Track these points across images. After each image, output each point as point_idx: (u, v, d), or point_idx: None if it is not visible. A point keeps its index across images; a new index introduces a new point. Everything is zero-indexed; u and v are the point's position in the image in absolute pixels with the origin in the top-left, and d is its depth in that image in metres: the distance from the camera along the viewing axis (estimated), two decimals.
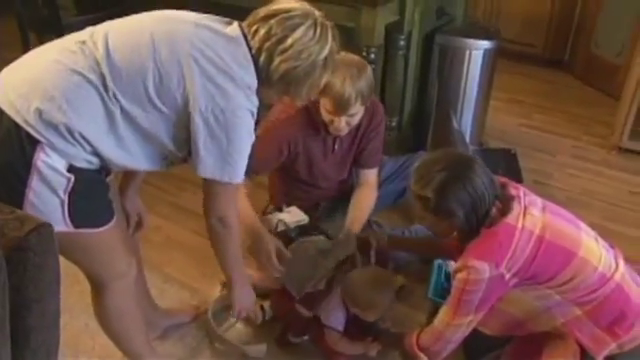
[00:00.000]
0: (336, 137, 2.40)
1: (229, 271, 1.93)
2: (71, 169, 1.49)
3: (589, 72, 4.84)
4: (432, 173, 1.74)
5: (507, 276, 1.69)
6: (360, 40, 2.81)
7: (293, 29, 1.59)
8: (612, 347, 1.73)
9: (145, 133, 1.57)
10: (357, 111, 2.23)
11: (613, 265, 1.76)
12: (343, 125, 2.25)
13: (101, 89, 1.48)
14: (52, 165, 1.46)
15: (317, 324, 2.13)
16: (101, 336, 2.19)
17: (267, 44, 1.59)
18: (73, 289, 2.39)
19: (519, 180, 3.08)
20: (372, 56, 2.88)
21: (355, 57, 2.26)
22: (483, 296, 1.73)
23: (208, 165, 1.59)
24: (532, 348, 1.84)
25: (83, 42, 1.52)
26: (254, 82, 1.61)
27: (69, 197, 1.50)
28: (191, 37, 1.56)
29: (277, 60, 1.60)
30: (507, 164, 3.26)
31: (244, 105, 1.58)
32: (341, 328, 2.11)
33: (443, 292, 2.41)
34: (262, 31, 1.60)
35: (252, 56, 1.60)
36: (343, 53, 2.26)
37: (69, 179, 1.49)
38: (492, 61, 3.39)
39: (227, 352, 2.21)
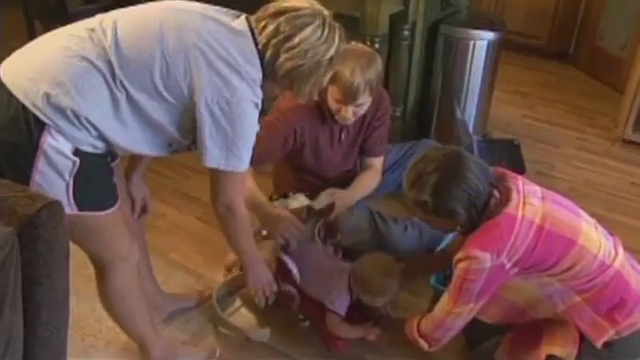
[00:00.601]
0: (343, 126, 2.42)
1: (242, 254, 1.99)
2: (77, 152, 1.53)
3: (593, 65, 4.84)
4: (424, 177, 1.76)
5: (508, 265, 1.71)
6: (364, 30, 2.82)
7: (301, 28, 1.62)
8: (610, 333, 1.75)
9: (150, 120, 1.59)
10: (365, 101, 2.25)
11: (613, 252, 1.78)
12: (350, 114, 2.26)
13: (108, 76, 1.51)
14: (58, 148, 1.49)
15: (319, 308, 2.15)
16: (108, 320, 2.22)
17: (274, 40, 1.62)
18: (81, 273, 2.40)
19: (522, 171, 3.10)
20: (376, 46, 2.89)
21: (365, 47, 2.30)
22: (484, 285, 1.75)
23: (214, 155, 1.62)
24: (532, 335, 1.86)
25: (92, 29, 1.55)
26: (259, 76, 1.64)
27: (74, 180, 1.54)
28: (198, 29, 1.59)
29: (283, 57, 1.63)
30: (510, 155, 3.28)
31: (249, 97, 1.60)
32: (344, 313, 2.13)
33: (445, 280, 2.43)
34: (270, 27, 1.63)
35: (258, 51, 1.63)
36: (353, 43, 2.30)
37: (74, 162, 1.52)
38: (496, 52, 3.39)
39: (231, 336, 2.24)
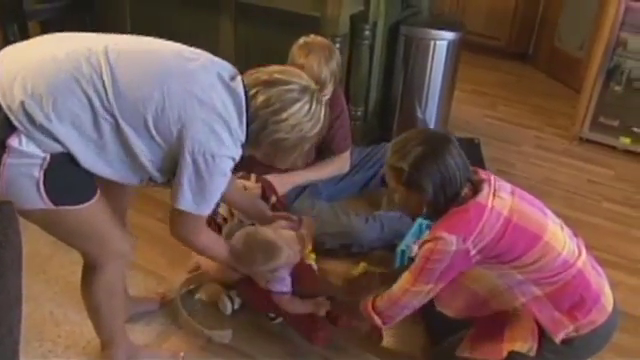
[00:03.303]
0: None
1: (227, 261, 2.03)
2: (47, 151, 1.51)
3: (552, 65, 4.94)
4: (409, 147, 1.79)
5: (472, 252, 1.74)
6: (325, 29, 2.83)
7: (291, 103, 1.68)
8: (570, 329, 1.78)
9: (131, 153, 1.60)
10: (327, 93, 2.29)
11: (576, 252, 1.81)
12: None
13: (95, 100, 1.51)
14: (24, 150, 1.48)
15: (266, 295, 2.14)
16: (66, 324, 2.21)
17: (263, 112, 1.67)
18: (38, 278, 2.39)
19: (482, 169, 3.14)
20: (337, 45, 2.90)
21: (324, 40, 2.34)
22: (446, 268, 1.76)
23: (187, 199, 1.66)
24: (493, 331, 1.88)
25: (95, 51, 1.55)
26: (243, 137, 1.69)
27: (45, 175, 1.52)
28: (202, 81, 1.62)
29: (270, 129, 1.68)
30: (470, 153, 3.30)
31: (231, 154, 1.65)
32: (288, 289, 2.12)
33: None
34: (261, 98, 1.67)
35: (248, 116, 1.67)
36: (312, 36, 2.33)
37: (44, 158, 1.51)
38: (456, 52, 3.44)
39: (194, 338, 2.22)
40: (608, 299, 1.83)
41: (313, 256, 2.20)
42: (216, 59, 1.73)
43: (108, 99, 1.52)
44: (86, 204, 1.64)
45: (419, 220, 2.61)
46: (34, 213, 1.58)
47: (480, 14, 5.12)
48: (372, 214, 2.70)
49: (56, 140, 1.50)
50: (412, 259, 2.47)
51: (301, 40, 2.34)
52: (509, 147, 3.80)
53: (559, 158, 3.75)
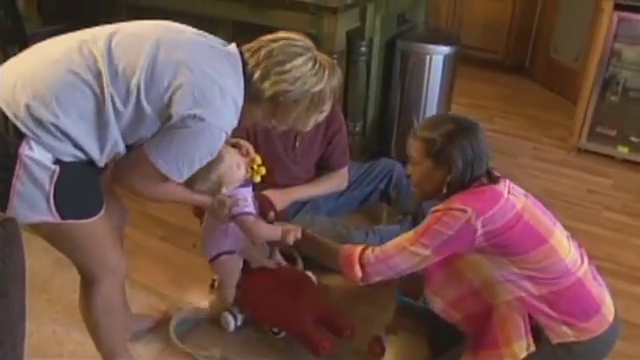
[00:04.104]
0: (297, 134, 2.48)
1: (192, 202, 1.99)
2: (57, 161, 1.53)
3: (549, 77, 4.98)
4: (442, 123, 1.85)
5: (479, 232, 1.72)
6: (322, 47, 2.84)
7: (294, 56, 1.68)
8: (568, 334, 1.77)
9: (127, 130, 1.59)
10: (327, 108, 2.30)
11: (579, 261, 1.82)
12: (312, 121, 2.31)
13: (96, 88, 1.52)
14: (36, 158, 1.50)
15: (295, 316, 2.18)
16: (69, 343, 2.22)
17: (266, 62, 1.67)
18: (40, 297, 2.40)
19: None
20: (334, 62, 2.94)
21: (327, 58, 2.35)
22: (449, 238, 1.74)
23: (162, 155, 1.60)
24: (488, 337, 1.88)
25: (85, 41, 1.57)
26: (241, 99, 1.67)
27: (55, 188, 1.53)
28: (191, 47, 1.63)
29: (272, 79, 1.67)
30: None
31: (222, 125, 1.62)
32: (251, 210, 2.02)
33: (408, 291, 2.46)
34: (263, 51, 1.68)
35: (245, 72, 1.67)
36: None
37: (54, 171, 1.52)
38: (453, 66, 3.47)
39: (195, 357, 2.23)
40: (609, 309, 1.83)
41: (263, 171, 2.08)
42: (207, 33, 1.74)
43: (103, 81, 1.52)
44: (92, 218, 1.66)
45: None
46: (39, 225, 1.60)
47: (476, 28, 5.17)
48: (372, 228, 2.71)
49: (66, 135, 1.51)
50: None
51: None
52: (507, 159, 3.81)
53: (558, 169, 3.76)
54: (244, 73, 1.68)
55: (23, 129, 1.48)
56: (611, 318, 1.82)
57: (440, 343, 2.15)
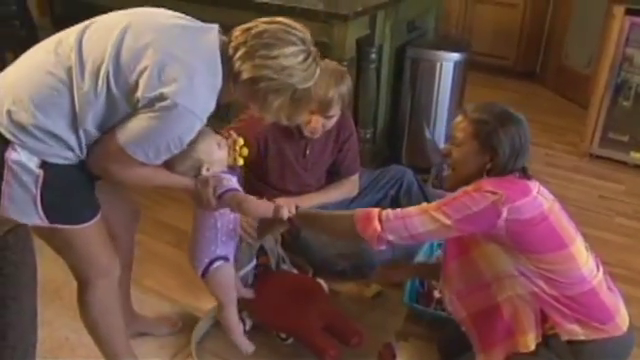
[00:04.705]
0: (308, 142, 2.48)
1: (174, 185, 1.83)
2: (43, 165, 1.55)
3: (560, 83, 4.96)
4: (495, 108, 1.84)
5: (502, 217, 1.70)
6: (332, 54, 2.87)
7: (286, 44, 1.57)
8: (578, 331, 1.77)
9: (102, 119, 1.56)
10: (335, 114, 2.32)
11: (594, 271, 1.81)
12: (319, 126, 2.34)
13: (68, 82, 1.53)
14: (21, 162, 1.52)
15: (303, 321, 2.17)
16: (81, 349, 2.23)
17: (252, 42, 1.56)
18: (54, 304, 2.42)
19: None
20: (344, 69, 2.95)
21: (337, 65, 2.39)
22: (473, 214, 1.72)
23: (129, 133, 1.54)
24: (500, 332, 1.86)
25: (60, 40, 1.59)
26: (218, 81, 1.58)
27: (41, 192, 1.55)
28: (159, 29, 1.57)
29: (255, 62, 1.55)
30: None
31: (193, 105, 1.52)
32: (236, 186, 1.89)
33: (419, 297, 2.46)
34: (254, 30, 1.58)
35: (227, 50, 1.58)
36: (327, 60, 2.37)
37: (38, 175, 1.54)
38: (463, 72, 3.48)
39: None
40: (623, 320, 1.82)
41: (245, 151, 1.98)
42: (187, 16, 1.67)
43: (74, 74, 1.52)
44: (83, 225, 1.67)
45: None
46: (34, 228, 1.60)
47: (487, 34, 5.16)
48: None
49: (49, 135, 1.52)
50: (423, 280, 2.50)
51: None
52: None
53: (570, 175, 3.75)
54: (225, 52, 1.58)
55: (7, 135, 1.52)
56: (625, 328, 1.81)
57: (451, 350, 2.15)
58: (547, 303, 1.78)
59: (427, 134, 3.44)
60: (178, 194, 1.72)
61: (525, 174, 1.84)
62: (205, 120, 1.60)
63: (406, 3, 3.34)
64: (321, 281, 2.46)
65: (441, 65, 3.37)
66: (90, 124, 1.55)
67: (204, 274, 2.01)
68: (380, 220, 1.81)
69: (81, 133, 1.56)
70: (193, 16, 1.70)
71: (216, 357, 2.24)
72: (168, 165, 1.74)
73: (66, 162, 1.59)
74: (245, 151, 1.96)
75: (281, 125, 2.38)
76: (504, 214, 1.70)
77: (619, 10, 3.55)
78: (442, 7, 4.23)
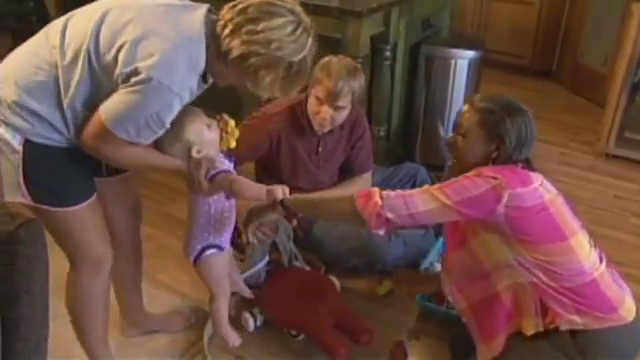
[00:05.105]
0: (320, 139, 2.48)
1: (166, 167, 1.77)
2: (27, 144, 1.56)
3: (576, 81, 4.92)
4: (502, 99, 1.87)
5: (502, 202, 1.70)
6: (346, 51, 2.86)
7: (271, 16, 1.52)
8: (577, 321, 1.75)
9: (88, 97, 1.56)
10: (345, 105, 2.32)
11: (597, 264, 1.80)
12: (328, 117, 2.33)
13: (52, 61, 1.54)
14: (5, 139, 1.55)
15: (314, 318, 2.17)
16: None
17: (238, 18, 1.52)
18: None
19: None
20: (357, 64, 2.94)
21: (350, 61, 2.39)
22: (473, 197, 1.72)
23: (110, 110, 1.52)
24: (500, 320, 1.86)
25: (52, 25, 1.61)
26: (202, 59, 1.55)
27: (24, 170, 1.56)
28: (142, 6, 1.56)
29: (243, 38, 1.52)
30: None
31: (171, 81, 1.49)
32: (229, 167, 1.86)
33: (431, 296, 2.45)
34: (240, 6, 1.54)
35: (215, 29, 1.55)
36: (341, 56, 2.38)
37: (18, 152, 1.56)
38: (478, 70, 3.46)
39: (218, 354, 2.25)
40: (628, 311, 1.79)
41: (237, 133, 1.91)
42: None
43: (62, 52, 1.53)
44: (68, 208, 1.66)
45: (442, 239, 2.62)
46: (29, 207, 1.62)
47: (502, 32, 5.13)
48: (395, 232, 2.70)
49: (33, 115, 1.54)
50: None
51: (325, 58, 2.38)
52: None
53: (585, 174, 3.72)
54: (213, 30, 1.55)
55: None
56: (630, 318, 1.78)
57: (462, 349, 2.14)
58: (546, 293, 1.77)
59: (441, 132, 3.43)
60: (186, 188, 1.71)
61: (529, 166, 1.84)
62: (187, 98, 1.57)
63: (421, 0, 3.33)
64: (333, 278, 2.46)
65: (456, 63, 3.36)
66: (75, 100, 1.55)
67: (196, 261, 1.97)
68: (381, 197, 1.79)
69: (67, 111, 1.56)
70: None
71: (227, 353, 2.23)
72: (158, 147, 1.72)
73: (52, 143, 1.59)
74: (237, 132, 1.91)
75: (295, 123, 2.40)
76: (504, 199, 1.70)
77: (637, 7, 3.51)
78: (457, 4, 4.21)
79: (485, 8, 5.21)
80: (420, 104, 3.51)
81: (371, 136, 2.75)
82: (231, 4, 1.57)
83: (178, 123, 1.67)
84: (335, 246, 2.57)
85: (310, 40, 1.58)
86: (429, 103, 3.48)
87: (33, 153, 1.57)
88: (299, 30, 1.55)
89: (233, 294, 2.17)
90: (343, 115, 2.37)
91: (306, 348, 2.25)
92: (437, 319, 2.37)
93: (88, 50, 1.51)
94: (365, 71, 3.07)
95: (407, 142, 3.64)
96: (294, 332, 2.28)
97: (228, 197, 1.89)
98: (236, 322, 2.34)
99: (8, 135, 1.55)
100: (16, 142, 1.56)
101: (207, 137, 1.80)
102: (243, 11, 1.53)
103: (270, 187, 1.82)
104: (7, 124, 1.55)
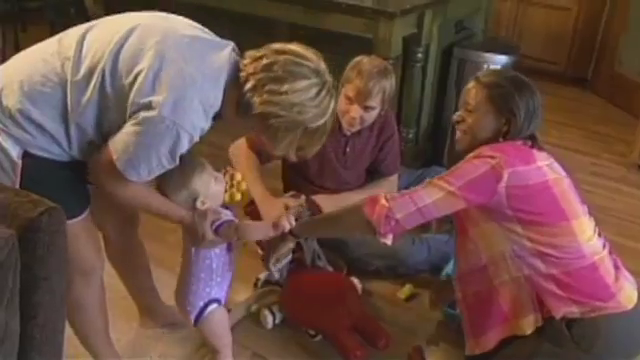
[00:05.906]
0: (348, 140, 2.47)
1: (169, 214, 1.75)
2: (26, 156, 1.52)
3: (612, 90, 4.83)
4: (508, 73, 1.87)
5: (503, 181, 1.69)
6: (377, 51, 2.85)
7: (296, 78, 1.48)
8: (574, 311, 1.74)
9: (95, 117, 1.53)
10: (375, 105, 2.31)
11: (599, 249, 1.79)
12: (358, 117, 2.32)
13: (61, 74, 1.49)
14: (5, 148, 1.50)
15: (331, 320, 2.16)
16: (112, 332, 2.25)
17: (261, 75, 1.48)
18: None
19: None
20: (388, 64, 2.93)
21: (382, 61, 2.39)
22: (474, 179, 1.72)
23: (120, 146, 1.48)
24: (495, 317, 1.86)
25: (67, 33, 1.57)
26: (217, 103, 1.51)
27: (21, 183, 1.52)
28: (167, 33, 1.50)
29: (264, 97, 1.48)
30: None
31: (183, 121, 1.45)
32: (232, 217, 1.85)
33: (452, 302, 2.42)
34: (265, 61, 1.49)
35: (238, 78, 1.51)
36: (372, 56, 2.38)
37: (17, 164, 1.51)
38: None
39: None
40: (628, 298, 1.78)
41: (244, 185, 1.95)
42: (205, 28, 1.61)
43: (73, 67, 1.48)
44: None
45: None
46: None
47: (537, 38, 5.06)
48: (419, 236, 2.68)
49: (34, 125, 1.49)
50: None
51: (357, 58, 2.37)
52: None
53: (615, 185, 3.65)
54: (235, 75, 1.52)
55: None
56: (629, 306, 1.76)
57: (478, 358, 2.11)
58: (542, 287, 1.76)
59: None
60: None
61: (536, 143, 1.82)
62: (197, 137, 1.53)
63: (455, 3, 3.31)
64: (355, 280, 2.45)
65: (488, 67, 3.31)
66: (84, 120, 1.51)
67: (197, 319, 1.96)
68: (387, 199, 1.79)
69: (72, 127, 1.52)
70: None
71: (245, 349, 2.24)
72: (162, 190, 1.73)
73: (51, 157, 1.55)
74: (243, 185, 1.94)
75: None
76: (504, 178, 1.69)
77: None
78: (492, 8, 4.16)
79: (521, 13, 5.15)
80: (450, 107, 3.47)
81: (400, 138, 2.74)
82: (256, 54, 1.53)
83: (186, 172, 1.68)
84: (358, 248, 2.56)
85: (332, 103, 1.57)
86: (459, 107, 3.44)
87: (31, 166, 1.53)
88: (323, 93, 1.52)
89: None
90: (373, 115, 2.35)
91: (324, 348, 2.25)
92: (457, 324, 2.34)
93: (103, 71, 1.47)
94: (396, 72, 3.05)
95: (436, 145, 3.61)
96: (312, 332, 2.28)
97: (229, 249, 1.91)
98: (255, 319, 2.35)
99: (7, 145, 1.50)
100: (15, 154, 1.51)
101: (213, 190, 1.82)
102: (268, 68, 1.48)
103: (275, 221, 1.82)
104: (8, 134, 1.50)
